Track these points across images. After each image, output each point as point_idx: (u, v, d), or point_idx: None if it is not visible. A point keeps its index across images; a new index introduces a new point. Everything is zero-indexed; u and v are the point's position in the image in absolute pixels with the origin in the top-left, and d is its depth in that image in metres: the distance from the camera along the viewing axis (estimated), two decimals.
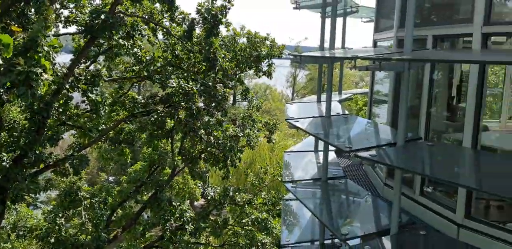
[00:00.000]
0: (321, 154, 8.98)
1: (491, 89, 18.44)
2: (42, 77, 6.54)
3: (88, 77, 11.55)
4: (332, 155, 9.94)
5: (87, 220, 14.59)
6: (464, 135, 6.09)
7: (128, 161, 18.84)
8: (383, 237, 6.20)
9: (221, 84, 14.03)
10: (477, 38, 5.96)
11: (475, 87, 5.95)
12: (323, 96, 9.59)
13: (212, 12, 12.38)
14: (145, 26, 13.13)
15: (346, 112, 8.96)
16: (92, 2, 13.04)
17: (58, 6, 12.93)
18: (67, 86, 10.80)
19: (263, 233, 15.89)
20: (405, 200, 7.32)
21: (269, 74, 16.19)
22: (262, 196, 17.15)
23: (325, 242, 8.49)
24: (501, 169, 5.02)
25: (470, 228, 6.11)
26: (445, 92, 7.98)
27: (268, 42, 15.22)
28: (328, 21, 9.67)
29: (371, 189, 8.79)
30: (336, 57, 7.46)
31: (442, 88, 8.03)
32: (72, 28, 13.91)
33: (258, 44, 14.92)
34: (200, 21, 12.81)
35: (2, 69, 6.37)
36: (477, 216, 6.15)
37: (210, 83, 13.16)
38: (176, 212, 15.44)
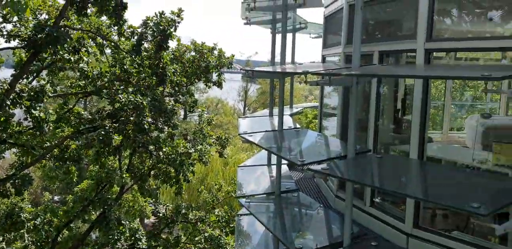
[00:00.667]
0: (274, 168, 9.01)
1: (434, 102, 19.37)
2: None
3: (31, 93, 11.09)
4: (285, 169, 10.01)
5: (30, 243, 13.83)
6: (411, 146, 6.31)
7: (74, 180, 18.12)
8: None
9: (171, 98, 13.88)
10: (420, 54, 6.23)
11: (419, 100, 6.20)
12: (275, 110, 9.67)
13: (160, 27, 12.28)
14: (92, 43, 12.83)
15: (298, 125, 9.07)
16: (38, 16, 12.59)
17: (0, 19, 12.39)
18: (8, 103, 10.31)
19: None
20: (356, 212, 7.44)
21: (219, 84, 16.15)
22: (216, 213, 16.95)
23: None
24: (445, 178, 5.22)
25: (418, 237, 6.29)
26: (391, 105, 8.27)
27: (216, 52, 15.24)
28: (278, 37, 9.82)
29: (323, 201, 8.90)
30: (287, 72, 7.58)
31: (388, 101, 8.32)
32: (15, 42, 13.36)
33: (206, 55, 14.92)
34: (149, 35, 12.67)
35: None
36: (425, 225, 6.35)
37: (159, 98, 12.97)
38: (126, 231, 14.95)
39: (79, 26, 12.43)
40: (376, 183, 5.20)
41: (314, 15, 11.69)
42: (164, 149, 13.89)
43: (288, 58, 11.99)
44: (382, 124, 7.89)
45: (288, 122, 9.12)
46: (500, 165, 6.61)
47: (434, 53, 8.18)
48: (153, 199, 19.37)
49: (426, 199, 4.39)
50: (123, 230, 15.12)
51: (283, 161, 8.14)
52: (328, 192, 8.86)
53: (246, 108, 49.43)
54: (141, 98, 12.11)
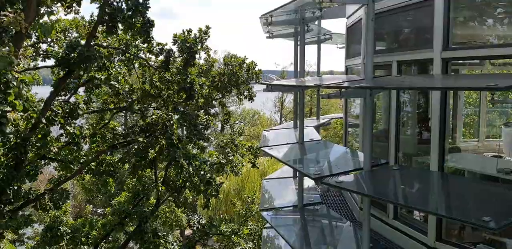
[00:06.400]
0: None
1: (469, 109, 18.66)
2: (11, 115, 6.56)
3: (66, 110, 11.56)
4: (311, 181, 9.94)
5: None
6: (430, 158, 6.16)
7: (113, 191, 18.59)
8: None
9: (202, 111, 14.13)
10: (437, 63, 6.11)
11: (437, 110, 6.06)
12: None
13: (187, 44, 12.60)
14: (122, 57, 13.27)
15: (319, 137, 9.01)
16: (69, 35, 13.21)
17: (35, 39, 13.08)
18: (44, 121, 10.79)
19: None
20: (380, 224, 7.30)
21: (250, 98, 16.42)
22: (249, 226, 16.97)
23: None
24: (464, 191, 5.05)
25: None
26: (414, 114, 8.10)
27: (245, 65, 15.52)
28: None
29: (349, 213, 8.77)
30: (301, 86, 7.59)
31: (411, 111, 8.16)
32: (52, 61, 14.06)
33: (235, 69, 15.21)
34: (177, 52, 13.01)
35: None
36: (448, 238, 6.15)
37: (190, 111, 13.24)
38: (161, 244, 15.17)
39: (108, 44, 12.91)
40: (390, 196, 5.10)
41: (340, 26, 11.64)
42: (195, 163, 14.11)
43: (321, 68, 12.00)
44: (406, 134, 7.74)
45: (311, 134, 9.09)
46: None
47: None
48: (190, 210, 19.66)
49: (433, 212, 4.27)
50: (159, 242, 15.34)
51: None
52: (354, 204, 8.73)
53: (283, 118, 49.36)
54: (170, 113, 12.39)
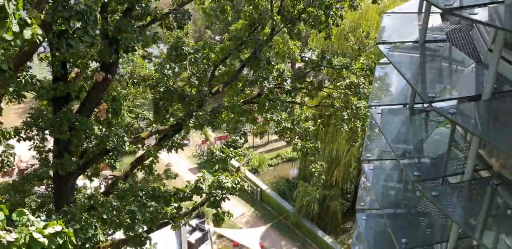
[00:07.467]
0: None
1: None
2: None
3: None
4: (437, 20, 9.16)
5: (192, 73, 15.71)
6: None
7: (230, 19, 18.97)
8: (473, 102, 6.04)
9: None
10: None
11: None
12: None
13: None
14: None
15: None
16: None
17: None
18: None
19: (357, 98, 16.01)
20: (508, 66, 6.80)
21: None
22: (361, 61, 16.74)
23: (416, 106, 8.46)
24: None
25: None
26: None
27: None
28: None
29: (475, 55, 8.20)
30: None
31: None
32: None
33: None
34: None
35: None
36: None
37: None
38: (274, 71, 15.87)
39: None
40: None
41: None
42: None
43: None
44: None
45: None
46: None
47: None
48: (302, 44, 19.74)
49: None
50: (272, 69, 16.06)
51: (434, 9, 7.43)
52: (482, 45, 8.06)
53: None
54: None
